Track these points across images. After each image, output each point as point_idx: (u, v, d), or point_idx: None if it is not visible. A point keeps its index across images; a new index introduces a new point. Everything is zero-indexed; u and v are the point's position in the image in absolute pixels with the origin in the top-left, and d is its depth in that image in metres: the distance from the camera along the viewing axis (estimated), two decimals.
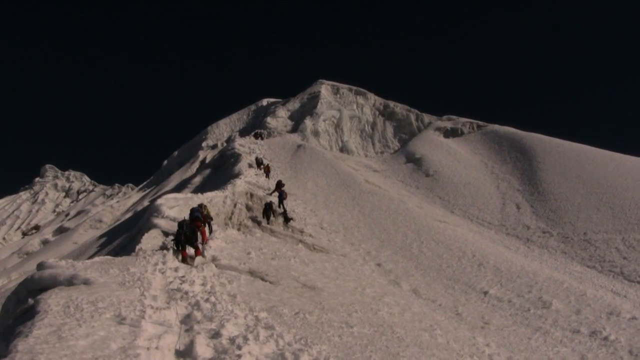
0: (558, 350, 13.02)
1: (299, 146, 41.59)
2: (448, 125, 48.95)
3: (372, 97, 56.19)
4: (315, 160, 36.57)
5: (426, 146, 43.38)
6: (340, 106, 53.99)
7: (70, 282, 6.99)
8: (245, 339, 5.98)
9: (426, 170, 37.66)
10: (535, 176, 32.87)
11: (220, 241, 14.15)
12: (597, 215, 25.54)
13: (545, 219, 26.69)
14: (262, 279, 11.65)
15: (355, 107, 54.67)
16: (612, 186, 28.65)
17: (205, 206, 14.25)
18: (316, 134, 49.05)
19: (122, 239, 20.13)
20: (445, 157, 40.05)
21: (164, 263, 9.80)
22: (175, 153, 66.64)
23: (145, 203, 40.47)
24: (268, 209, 19.11)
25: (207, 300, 7.66)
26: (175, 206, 15.77)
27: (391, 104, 54.97)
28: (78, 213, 65.93)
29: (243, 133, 56.93)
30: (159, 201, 16.00)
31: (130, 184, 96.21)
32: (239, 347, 5.63)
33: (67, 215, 78.72)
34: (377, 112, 54.46)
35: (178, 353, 5.30)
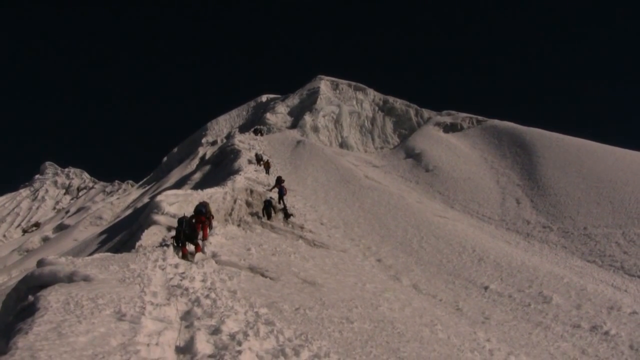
0: (559, 345, 12.99)
1: (298, 142, 41.50)
2: (447, 120, 48.86)
3: (371, 92, 56.05)
4: (314, 156, 36.51)
5: (426, 141, 43.32)
6: (340, 102, 53.85)
7: (70, 278, 7.07)
8: (246, 335, 5.99)
9: (426, 165, 37.62)
10: (535, 171, 32.84)
11: (220, 237, 14.14)
12: (597, 209, 25.52)
13: (545, 213, 26.66)
14: (262, 275, 11.66)
15: (354, 102, 54.53)
16: (612, 180, 28.62)
17: (207, 205, 14.25)
18: (316, 129, 48.93)
19: (122, 236, 20.12)
20: (445, 152, 40.00)
21: (164, 259, 9.89)
22: (175, 149, 66.67)
23: (145, 200, 40.52)
24: (268, 206, 19.03)
25: (207, 296, 7.66)
26: (175, 202, 15.75)
27: (390, 99, 54.85)
28: (78, 210, 65.99)
29: (243, 129, 56.86)
30: (158, 198, 15.96)
31: (130, 181, 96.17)
32: (239, 343, 5.63)
33: (67, 212, 78.81)
34: (376, 108, 54.34)
35: (178, 349, 5.31)
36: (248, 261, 12.44)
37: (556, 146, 36.00)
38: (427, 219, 24.65)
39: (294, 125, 50.44)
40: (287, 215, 19.76)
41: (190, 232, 11.49)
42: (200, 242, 12.10)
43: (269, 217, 18.91)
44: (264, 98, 66.39)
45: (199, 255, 11.51)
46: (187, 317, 6.40)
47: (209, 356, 5.28)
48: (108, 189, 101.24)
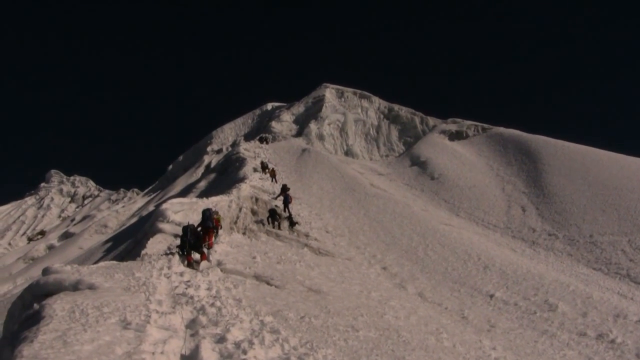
0: (565, 354, 12.93)
1: (303, 150, 41.61)
2: (453, 128, 48.85)
3: (376, 100, 56.21)
4: (320, 164, 36.57)
5: (431, 149, 43.33)
6: (345, 110, 54.04)
7: (75, 287, 7.08)
8: (251, 343, 5.97)
9: (431, 173, 37.61)
10: (540, 178, 32.74)
11: (225, 245, 14.17)
12: (602, 217, 25.42)
13: (550, 221, 26.58)
14: (268, 283, 11.67)
15: (359, 110, 54.69)
16: (617, 188, 28.49)
17: (217, 213, 14.34)
18: (321, 137, 49.10)
19: (127, 244, 20.21)
20: (450, 160, 39.97)
21: (169, 268, 9.88)
22: (180, 158, 66.95)
23: (151, 208, 40.70)
24: (273, 215, 19.10)
25: (212, 304, 7.64)
26: (180, 211, 15.78)
27: (396, 107, 54.96)
28: (83, 218, 66.24)
29: (248, 137, 57.12)
30: (164, 206, 16.01)
31: (136, 189, 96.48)
32: (245, 352, 5.62)
33: (72, 220, 79.05)
34: (381, 116, 54.45)
35: (183, 358, 5.31)
36: (253, 269, 12.47)
37: (562, 154, 35.90)
38: (432, 227, 24.61)
39: (299, 134, 50.68)
40: (292, 224, 19.82)
41: (195, 240, 11.52)
42: (205, 250, 12.12)
43: (274, 225, 18.96)
44: (269, 106, 66.76)
45: (204, 264, 11.51)
46: (192, 325, 6.39)
47: None
48: (113, 197, 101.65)
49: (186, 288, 8.54)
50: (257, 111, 67.36)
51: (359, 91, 57.28)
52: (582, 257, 21.99)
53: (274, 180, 29.31)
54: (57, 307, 5.75)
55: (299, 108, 56.58)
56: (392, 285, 16.92)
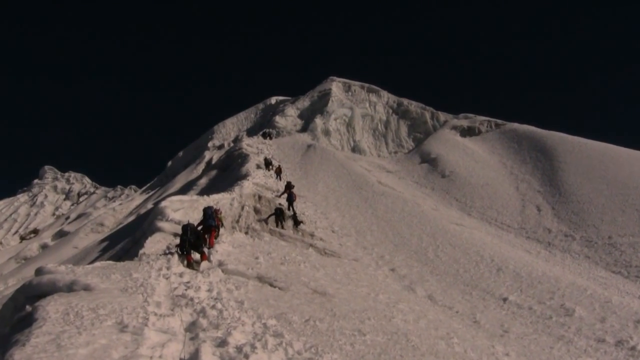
0: None
1: (309, 146, 41.44)
2: (465, 123, 48.34)
3: (385, 94, 55.58)
4: (326, 161, 36.47)
5: (442, 146, 43.03)
6: (352, 104, 53.41)
7: (70, 288, 7.00)
8: (253, 347, 5.91)
9: (442, 170, 37.29)
10: (556, 177, 32.38)
11: (227, 245, 14.07)
12: (622, 217, 25.06)
13: (567, 221, 26.25)
14: (271, 285, 11.52)
15: (367, 105, 54.05)
16: (637, 187, 28.12)
17: (220, 211, 14.25)
18: (327, 133, 48.62)
19: (124, 243, 20.05)
20: (462, 157, 39.72)
21: (168, 268, 9.89)
22: (180, 153, 66.63)
23: (149, 206, 40.44)
24: (279, 215, 18.61)
25: (213, 307, 7.59)
26: (180, 209, 15.84)
27: (405, 101, 54.31)
28: (78, 216, 66.04)
29: (251, 132, 56.86)
30: (163, 203, 16.00)
31: (133, 186, 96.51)
32: (247, 356, 5.58)
33: (67, 218, 78.73)
34: (390, 110, 53.83)
35: None
36: (256, 270, 12.32)
37: (579, 151, 35.63)
38: (443, 227, 24.40)
39: (304, 129, 50.23)
40: (297, 223, 19.52)
41: (195, 239, 11.40)
42: (206, 250, 12.02)
43: (281, 225, 18.55)
44: (273, 100, 66.17)
45: (204, 264, 11.37)
46: (192, 328, 6.35)
47: None
48: (110, 195, 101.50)
49: (186, 289, 8.46)
50: (261, 105, 66.87)
51: (366, 85, 56.63)
52: (601, 259, 21.62)
53: (279, 177, 29.00)
54: (51, 308, 5.73)
55: (304, 102, 55.92)
56: (401, 287, 16.73)
